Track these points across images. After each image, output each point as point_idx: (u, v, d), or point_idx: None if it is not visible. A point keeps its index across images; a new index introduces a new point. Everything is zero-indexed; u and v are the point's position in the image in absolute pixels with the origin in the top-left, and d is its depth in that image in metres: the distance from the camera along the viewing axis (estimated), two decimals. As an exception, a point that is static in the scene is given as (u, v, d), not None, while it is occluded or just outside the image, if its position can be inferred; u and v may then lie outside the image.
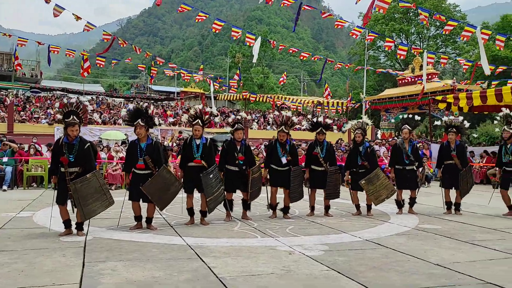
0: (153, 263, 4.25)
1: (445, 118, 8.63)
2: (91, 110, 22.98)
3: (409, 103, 27.92)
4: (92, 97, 34.88)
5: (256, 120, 27.87)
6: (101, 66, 23.71)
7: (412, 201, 7.96)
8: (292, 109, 33.45)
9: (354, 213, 7.74)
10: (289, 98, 35.57)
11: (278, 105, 34.75)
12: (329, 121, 7.95)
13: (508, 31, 38.03)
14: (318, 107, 35.70)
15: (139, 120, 6.08)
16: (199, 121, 6.59)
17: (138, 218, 6.19)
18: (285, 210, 7.31)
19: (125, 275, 3.85)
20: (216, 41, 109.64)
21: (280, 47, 25.43)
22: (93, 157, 5.84)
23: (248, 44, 18.64)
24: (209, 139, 6.69)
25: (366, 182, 7.41)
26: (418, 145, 7.97)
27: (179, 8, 16.08)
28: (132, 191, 6.08)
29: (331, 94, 29.87)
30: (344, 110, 33.72)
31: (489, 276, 3.89)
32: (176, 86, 50.34)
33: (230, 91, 35.84)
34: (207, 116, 6.83)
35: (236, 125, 7.14)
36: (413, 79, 28.51)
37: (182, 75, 25.62)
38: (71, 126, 5.61)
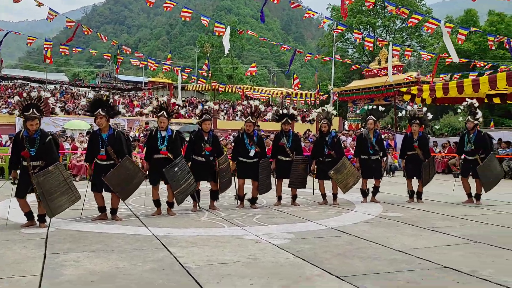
0: (118, 254, 4.19)
1: (409, 108, 8.66)
2: (53, 102, 22.28)
3: (375, 95, 28.50)
4: (55, 87, 33.89)
5: (224, 111, 27.78)
6: (66, 54, 22.90)
7: (375, 190, 8.12)
8: (262, 100, 33.50)
9: (321, 202, 7.83)
10: (258, 89, 35.57)
11: (249, 95, 34.72)
12: (294, 112, 7.99)
13: (471, 25, 39.22)
14: (287, 98, 35.90)
15: (99, 110, 5.94)
16: (164, 112, 6.48)
17: (101, 209, 6.11)
18: (253, 201, 7.34)
19: (88, 266, 3.78)
20: (185, 31, 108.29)
21: (247, 32, 25.16)
22: (55, 149, 5.65)
23: (217, 34, 18.38)
24: (175, 131, 6.58)
25: (334, 172, 7.47)
26: (383, 136, 8.10)
27: None
28: (95, 182, 5.98)
29: (299, 86, 30.06)
30: (313, 101, 34.04)
31: (447, 261, 4.04)
32: (144, 76, 49.48)
33: (199, 81, 35.54)
34: (174, 108, 6.77)
35: (204, 115, 7.01)
36: (379, 71, 29.05)
37: (150, 65, 25.12)
38: (30, 120, 5.38)
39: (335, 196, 7.82)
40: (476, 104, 8.07)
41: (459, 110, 8.55)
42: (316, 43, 64.40)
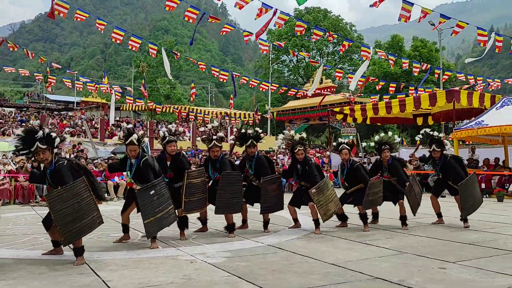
0: (40, 281, 3.91)
1: (376, 138, 7.62)
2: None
3: (311, 115, 29.43)
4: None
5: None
6: None
7: (361, 217, 6.88)
8: (199, 121, 33.36)
9: (291, 226, 7.12)
10: (196, 109, 35.40)
11: (183, 116, 34.43)
12: (258, 130, 7.20)
13: (397, 49, 41.93)
14: (225, 118, 36.04)
15: (38, 143, 4.73)
16: (134, 139, 5.53)
17: (55, 243, 5.07)
18: (229, 228, 6.37)
19: (6, 295, 3.49)
20: (120, 50, 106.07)
21: (191, 60, 24.82)
22: None
23: (150, 54, 18.13)
24: (144, 158, 5.53)
25: (316, 191, 6.30)
26: (318, 155, 7.33)
27: (76, 15, 14.78)
28: (47, 215, 5.00)
29: (231, 107, 30.45)
30: (251, 121, 34.43)
31: (377, 272, 4.17)
32: (76, 96, 47.67)
33: (136, 101, 34.75)
34: (141, 132, 5.74)
35: (168, 137, 6.12)
36: (313, 92, 30.08)
37: (82, 83, 24.14)
38: None
39: (316, 223, 6.63)
40: (442, 135, 7.54)
41: (390, 133, 7.90)
42: (254, 65, 65.58)
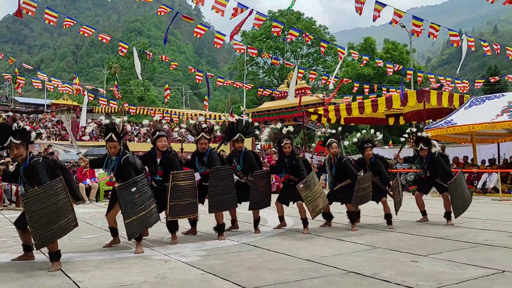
0: (7, 284, 3.78)
1: (358, 136, 7.21)
2: None
3: (285, 116, 29.58)
4: None
5: (136, 133, 26.98)
6: None
7: (349, 215, 6.75)
8: (175, 122, 33.10)
9: (276, 227, 6.93)
10: (171, 111, 35.09)
11: (160, 118, 34.09)
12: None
13: (369, 51, 42.62)
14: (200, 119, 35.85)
15: (11, 138, 4.44)
16: (113, 135, 5.14)
17: (26, 247, 4.78)
18: (219, 228, 6.06)
19: (-30, 299, 3.36)
20: (92, 52, 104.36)
21: (162, 58, 24.45)
22: None
23: (119, 52, 17.82)
24: (125, 156, 5.16)
25: (304, 186, 6.06)
26: (345, 160, 6.63)
27: (46, 17, 14.35)
28: (20, 216, 4.68)
29: (206, 109, 30.35)
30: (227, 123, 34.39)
31: (351, 266, 4.21)
32: (47, 98, 46.56)
33: (109, 103, 34.16)
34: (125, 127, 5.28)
35: (158, 132, 5.70)
36: (288, 93, 30.26)
37: (53, 86, 23.48)
38: None
39: (305, 222, 6.45)
40: (429, 135, 7.43)
41: (363, 131, 7.61)
42: (228, 67, 65.55)
